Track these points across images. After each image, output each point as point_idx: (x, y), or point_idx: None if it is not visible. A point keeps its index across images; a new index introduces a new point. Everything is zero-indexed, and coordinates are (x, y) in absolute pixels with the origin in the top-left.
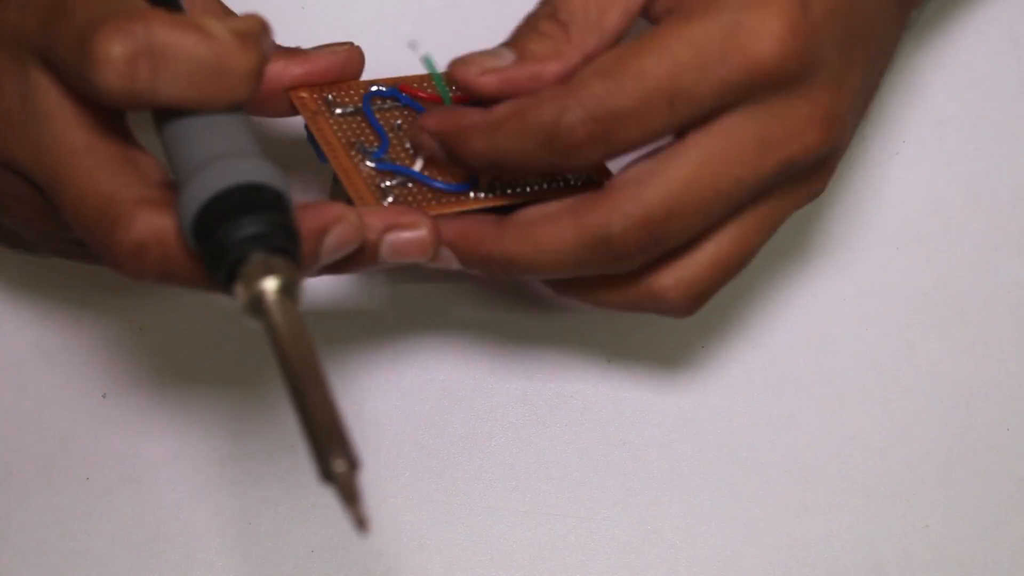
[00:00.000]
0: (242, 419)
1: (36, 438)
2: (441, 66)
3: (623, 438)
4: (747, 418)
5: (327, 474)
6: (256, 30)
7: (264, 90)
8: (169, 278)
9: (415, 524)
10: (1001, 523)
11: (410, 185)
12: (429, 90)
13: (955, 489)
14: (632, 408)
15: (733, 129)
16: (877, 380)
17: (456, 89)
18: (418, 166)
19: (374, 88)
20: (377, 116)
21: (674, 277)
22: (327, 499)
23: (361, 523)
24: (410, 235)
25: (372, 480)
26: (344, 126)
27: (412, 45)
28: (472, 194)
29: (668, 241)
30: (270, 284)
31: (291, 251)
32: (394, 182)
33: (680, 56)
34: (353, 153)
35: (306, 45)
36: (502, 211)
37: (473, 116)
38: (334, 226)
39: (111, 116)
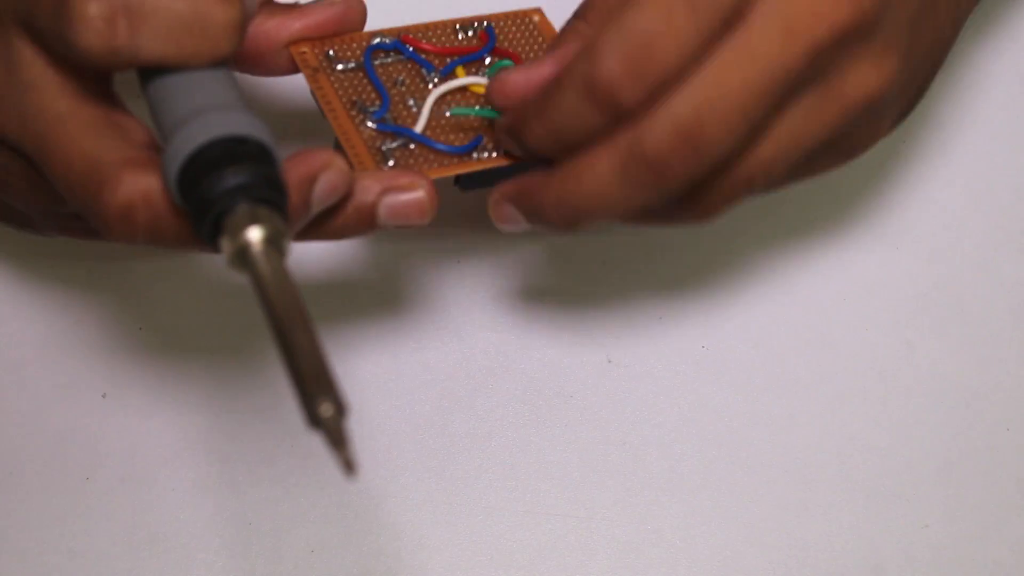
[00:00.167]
0: (242, 419)
1: (36, 438)
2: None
3: (623, 438)
4: (747, 418)
5: (314, 419)
6: None
7: (263, 47)
8: (159, 239)
9: (415, 524)
10: (1001, 523)
11: (412, 147)
12: (434, 40)
13: (955, 489)
14: (632, 408)
15: (755, 22)
16: (877, 380)
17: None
18: (419, 127)
19: (376, 41)
20: (379, 71)
21: (728, 186)
22: (327, 499)
23: (348, 466)
24: (408, 197)
25: (372, 480)
26: (346, 83)
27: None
28: (475, 155)
29: (709, 149)
30: (255, 234)
31: (277, 203)
32: (395, 144)
33: None
34: (354, 113)
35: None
36: (508, 171)
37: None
38: (322, 173)
39: (96, 82)
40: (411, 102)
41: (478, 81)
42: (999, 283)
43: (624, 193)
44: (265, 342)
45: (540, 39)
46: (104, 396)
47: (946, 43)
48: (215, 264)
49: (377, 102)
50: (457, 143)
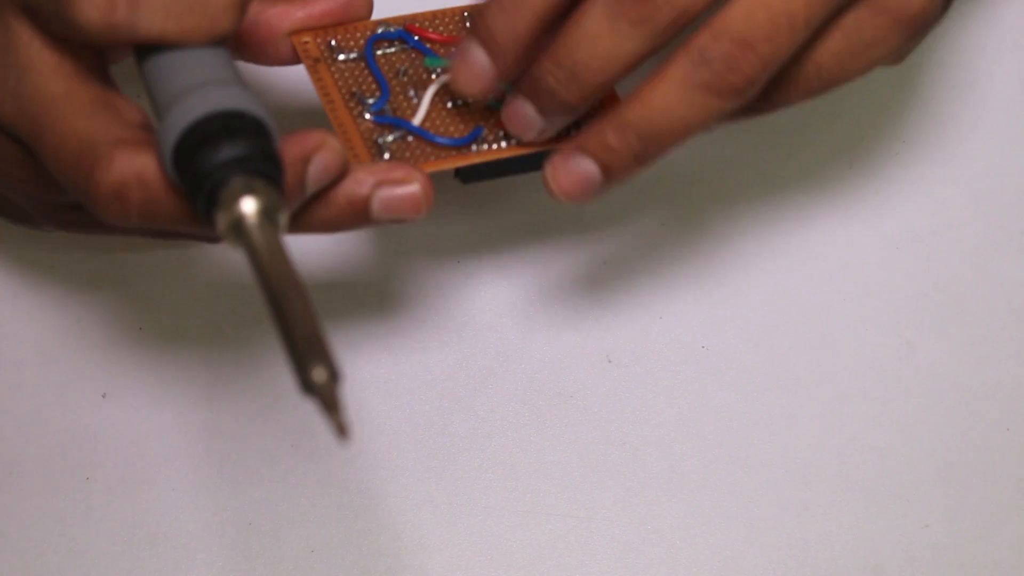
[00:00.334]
0: (242, 419)
1: (36, 438)
2: None
3: (623, 438)
4: (747, 418)
5: (307, 385)
6: None
7: (264, 36)
8: (153, 218)
9: (415, 524)
10: (1001, 523)
11: (409, 139)
12: (441, 29)
13: (955, 489)
14: (632, 408)
15: None
16: (877, 380)
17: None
18: (417, 120)
19: (380, 30)
20: (382, 61)
21: (745, 24)
22: (327, 499)
23: (342, 430)
24: (402, 191)
25: (372, 480)
26: (347, 74)
27: None
28: (475, 147)
29: (775, 43)
30: (250, 205)
31: (273, 177)
32: (393, 136)
33: None
34: (353, 105)
35: None
36: (508, 163)
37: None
38: (316, 152)
39: (91, 64)
40: (412, 92)
41: None
42: (999, 283)
43: (693, 106)
44: (265, 342)
45: None
46: (104, 396)
47: None
48: (215, 264)
49: (377, 93)
50: (457, 135)
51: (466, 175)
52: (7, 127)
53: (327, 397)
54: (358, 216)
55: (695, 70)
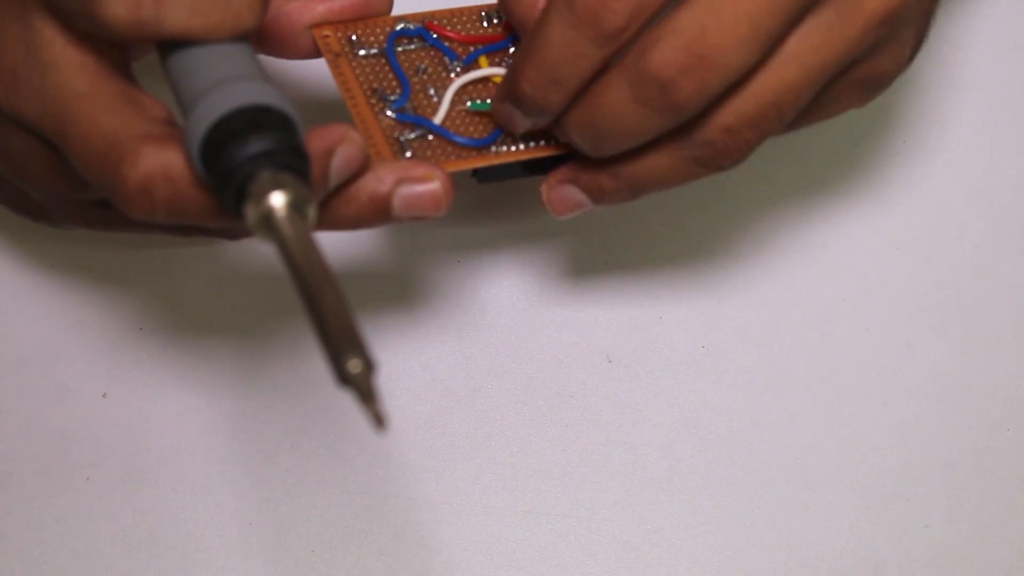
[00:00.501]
0: (242, 419)
1: (36, 438)
2: None
3: (623, 438)
4: (747, 418)
5: (343, 376)
6: None
7: (285, 29)
8: (180, 213)
9: (415, 524)
10: (1001, 523)
11: (430, 138)
12: (459, 28)
13: (955, 489)
14: (632, 408)
15: None
16: (877, 380)
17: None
18: (438, 118)
19: (400, 26)
20: (402, 58)
21: (733, 114)
22: (327, 499)
23: (379, 420)
24: (423, 188)
25: (372, 480)
26: (367, 69)
27: None
28: (494, 148)
29: (717, 61)
30: (279, 199)
31: (301, 170)
32: (414, 135)
33: None
34: (374, 102)
35: None
36: (526, 165)
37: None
38: (339, 146)
39: (114, 61)
40: (432, 91)
41: (500, 72)
42: (999, 283)
43: (640, 116)
44: (265, 342)
45: None
46: (104, 396)
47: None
48: (215, 265)
49: (398, 90)
50: (477, 135)
51: (484, 175)
52: (32, 126)
53: (363, 388)
54: (379, 213)
55: (641, 84)
